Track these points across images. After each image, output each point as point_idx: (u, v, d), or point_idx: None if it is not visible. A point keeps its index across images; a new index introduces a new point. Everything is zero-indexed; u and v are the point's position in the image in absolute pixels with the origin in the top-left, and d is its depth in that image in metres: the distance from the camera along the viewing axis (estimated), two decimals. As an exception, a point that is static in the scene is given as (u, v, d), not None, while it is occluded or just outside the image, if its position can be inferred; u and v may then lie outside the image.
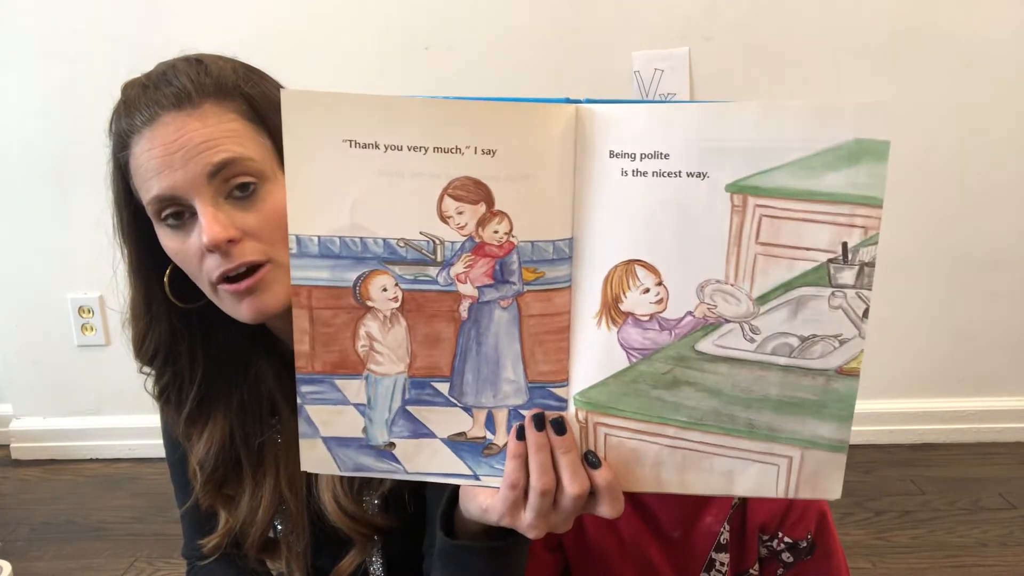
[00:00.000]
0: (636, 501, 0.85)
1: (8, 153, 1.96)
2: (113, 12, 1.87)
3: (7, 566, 1.57)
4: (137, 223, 0.76)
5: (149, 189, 0.71)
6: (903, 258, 1.99)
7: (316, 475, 0.82)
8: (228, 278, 0.72)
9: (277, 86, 0.76)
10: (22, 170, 1.97)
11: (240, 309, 0.73)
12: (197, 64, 0.73)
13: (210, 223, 0.69)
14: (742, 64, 1.88)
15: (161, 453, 0.94)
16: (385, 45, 1.87)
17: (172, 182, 0.69)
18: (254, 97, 0.73)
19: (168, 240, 0.74)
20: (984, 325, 2.04)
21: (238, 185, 0.70)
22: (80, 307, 2.05)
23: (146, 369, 0.85)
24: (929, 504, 1.81)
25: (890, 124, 0.52)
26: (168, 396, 0.85)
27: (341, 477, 0.79)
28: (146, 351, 0.82)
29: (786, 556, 0.86)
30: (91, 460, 2.14)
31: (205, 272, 0.72)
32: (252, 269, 0.72)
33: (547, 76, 1.89)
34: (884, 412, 2.06)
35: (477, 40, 1.86)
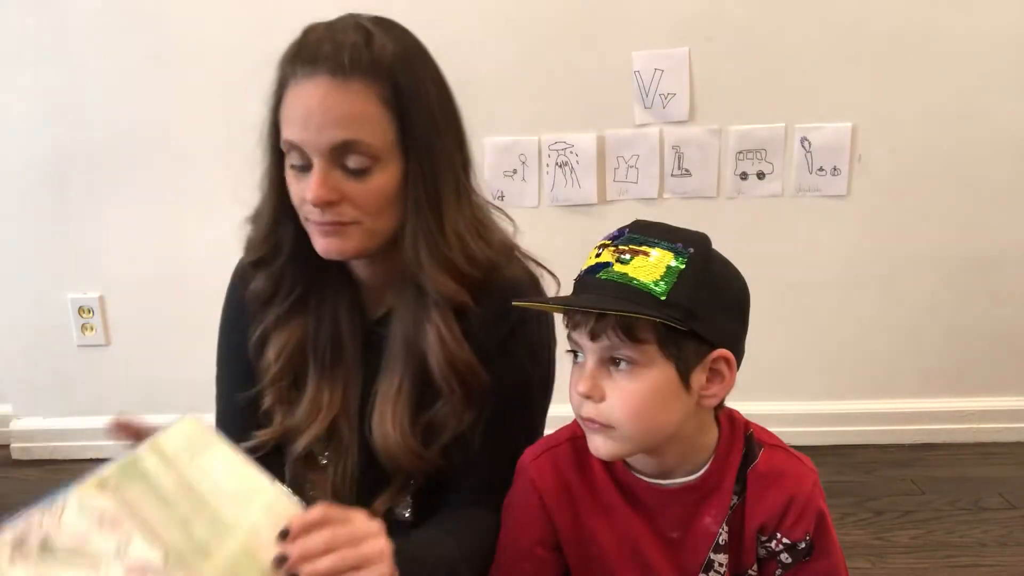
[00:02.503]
0: (636, 501, 0.85)
1: (8, 153, 1.96)
2: (113, 13, 1.86)
3: (7, 566, 1.57)
4: (279, 138, 0.86)
5: (285, 130, 0.83)
6: (904, 258, 1.99)
7: (379, 409, 0.91)
8: None
9: (435, 72, 0.88)
10: (22, 170, 1.97)
11: (318, 242, 0.86)
12: (367, 35, 0.82)
13: (318, 184, 0.81)
14: (742, 64, 1.88)
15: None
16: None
17: (303, 138, 0.81)
18: (400, 85, 0.82)
19: (288, 174, 0.86)
20: (984, 325, 2.04)
21: (352, 161, 0.81)
22: (80, 307, 2.05)
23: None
24: (929, 504, 1.81)
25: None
26: (260, 295, 0.94)
27: (410, 417, 0.89)
28: (258, 249, 0.93)
29: (784, 557, 0.86)
30: (91, 460, 2.14)
31: (304, 211, 0.86)
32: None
33: (547, 76, 1.89)
34: (884, 412, 2.05)
35: (476, 40, 1.86)
